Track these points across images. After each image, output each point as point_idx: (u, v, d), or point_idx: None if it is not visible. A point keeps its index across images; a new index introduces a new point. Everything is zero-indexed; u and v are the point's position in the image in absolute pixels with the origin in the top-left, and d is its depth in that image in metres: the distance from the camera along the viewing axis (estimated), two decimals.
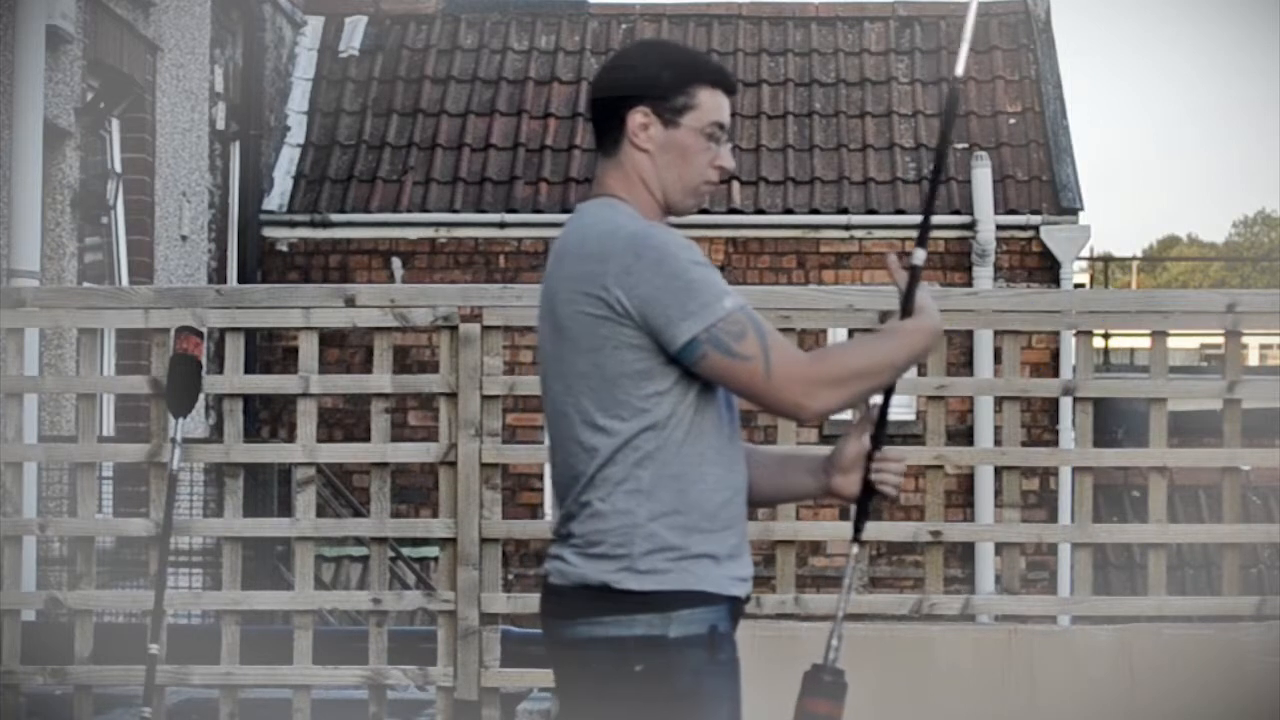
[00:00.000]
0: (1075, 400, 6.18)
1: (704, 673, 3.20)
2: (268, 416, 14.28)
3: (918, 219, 14.69)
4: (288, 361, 13.14)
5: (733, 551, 3.27)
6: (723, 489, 3.26)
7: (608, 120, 3.34)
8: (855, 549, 3.48)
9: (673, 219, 3.40)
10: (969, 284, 14.24)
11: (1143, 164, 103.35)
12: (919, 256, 3.35)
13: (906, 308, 3.32)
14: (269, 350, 14.27)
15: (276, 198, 14.99)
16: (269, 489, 10.40)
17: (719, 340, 3.16)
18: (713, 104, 3.34)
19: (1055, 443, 13.83)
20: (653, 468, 3.20)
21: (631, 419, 3.20)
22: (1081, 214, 14.76)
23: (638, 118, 3.31)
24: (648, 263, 3.18)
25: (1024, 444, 6.81)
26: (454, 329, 5.99)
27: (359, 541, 10.43)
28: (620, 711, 3.19)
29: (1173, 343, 6.99)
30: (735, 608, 3.27)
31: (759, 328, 3.18)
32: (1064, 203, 14.76)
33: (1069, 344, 13.45)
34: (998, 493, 6.29)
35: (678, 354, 3.18)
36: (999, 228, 14.59)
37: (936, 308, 3.35)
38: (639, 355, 3.19)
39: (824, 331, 13.99)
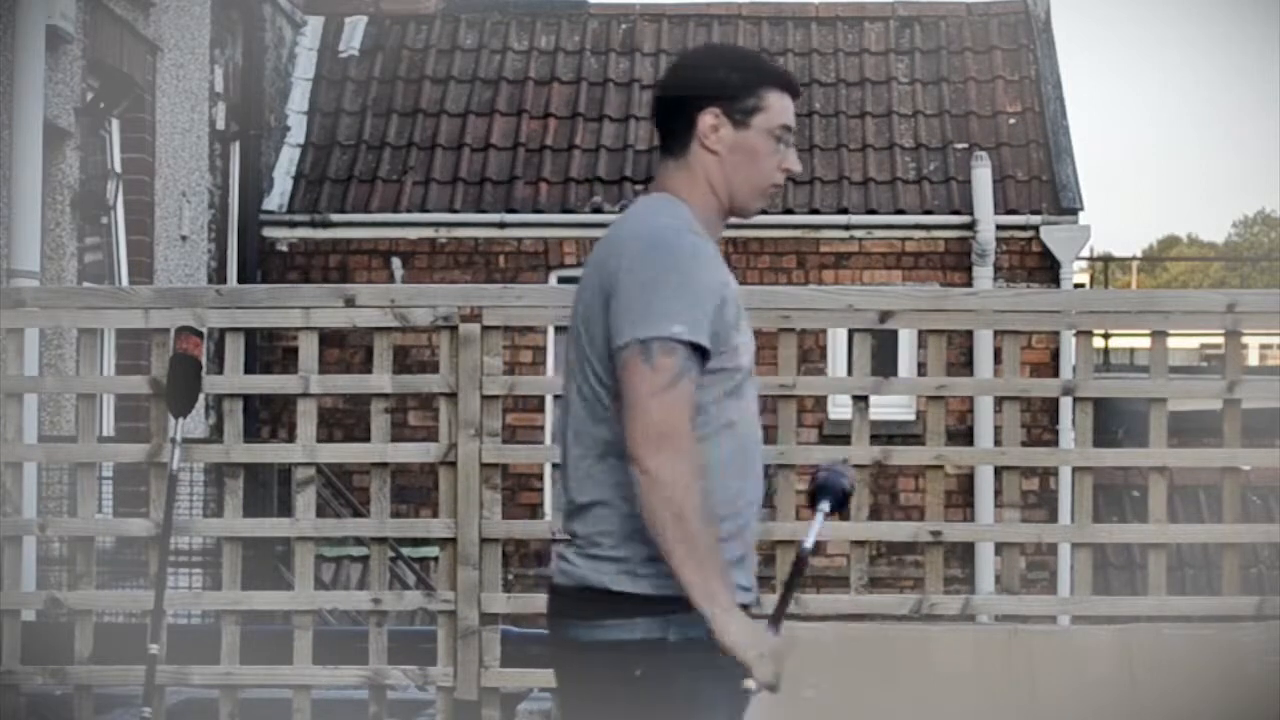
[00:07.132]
0: (1075, 400, 6.17)
1: (703, 676, 3.17)
2: (268, 416, 14.28)
3: (917, 219, 14.71)
4: (288, 361, 13.12)
5: (737, 559, 3.25)
6: (734, 497, 3.22)
7: (675, 121, 3.31)
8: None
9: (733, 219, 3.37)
10: (969, 284, 14.24)
11: (1143, 164, 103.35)
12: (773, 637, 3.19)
13: (775, 617, 3.19)
14: (269, 350, 14.27)
15: (276, 198, 14.99)
16: (269, 489, 10.39)
17: (649, 351, 3.06)
18: (780, 106, 3.39)
19: (1055, 443, 13.82)
20: None
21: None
22: (1081, 214, 14.76)
23: (708, 119, 3.30)
24: (644, 258, 3.14)
25: (1024, 444, 6.80)
26: (454, 329, 5.98)
27: (359, 541, 10.42)
28: (620, 715, 3.18)
29: (1173, 343, 6.98)
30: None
31: (679, 373, 3.05)
32: (1064, 203, 14.76)
33: (1069, 344, 13.44)
34: (998, 493, 6.29)
35: (612, 352, 3.10)
36: (999, 228, 14.59)
37: (763, 652, 3.11)
38: None
39: (824, 331, 14.02)
